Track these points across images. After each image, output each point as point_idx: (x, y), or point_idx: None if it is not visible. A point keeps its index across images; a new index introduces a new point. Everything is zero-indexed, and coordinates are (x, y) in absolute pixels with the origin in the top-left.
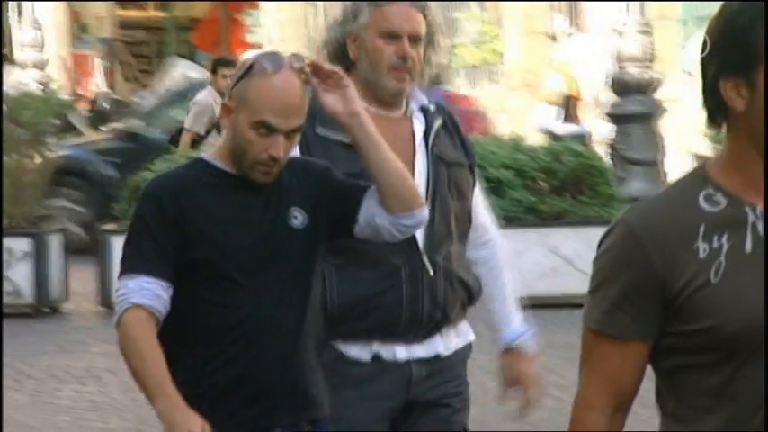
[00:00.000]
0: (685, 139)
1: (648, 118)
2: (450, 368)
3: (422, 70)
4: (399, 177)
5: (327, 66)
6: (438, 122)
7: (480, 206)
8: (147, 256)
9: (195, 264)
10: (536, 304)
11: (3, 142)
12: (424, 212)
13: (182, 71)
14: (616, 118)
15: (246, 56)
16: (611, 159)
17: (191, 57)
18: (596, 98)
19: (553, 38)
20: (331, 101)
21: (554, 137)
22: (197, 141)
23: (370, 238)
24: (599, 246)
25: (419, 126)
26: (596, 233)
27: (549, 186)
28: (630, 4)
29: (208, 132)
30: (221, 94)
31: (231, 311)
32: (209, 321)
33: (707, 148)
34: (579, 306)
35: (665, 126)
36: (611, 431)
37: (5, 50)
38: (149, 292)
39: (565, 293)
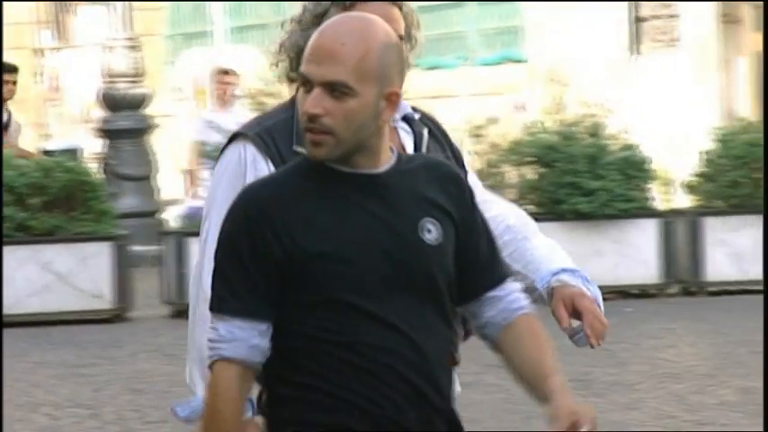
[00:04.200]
0: (177, 154)
1: (140, 133)
2: None
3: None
4: None
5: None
6: (425, 132)
7: (487, 203)
8: (239, 292)
9: (301, 289)
10: (28, 322)
11: (2, 145)
12: None
13: None
14: (107, 133)
15: None
16: (104, 175)
17: None
18: (86, 113)
19: (41, 52)
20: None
21: (46, 152)
22: None
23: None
24: None
25: (407, 136)
26: (90, 249)
27: (41, 202)
28: (118, 20)
29: None
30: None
31: (351, 343)
32: (323, 356)
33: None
34: (72, 322)
35: (157, 141)
36: None
37: None
38: (243, 344)
39: (58, 310)
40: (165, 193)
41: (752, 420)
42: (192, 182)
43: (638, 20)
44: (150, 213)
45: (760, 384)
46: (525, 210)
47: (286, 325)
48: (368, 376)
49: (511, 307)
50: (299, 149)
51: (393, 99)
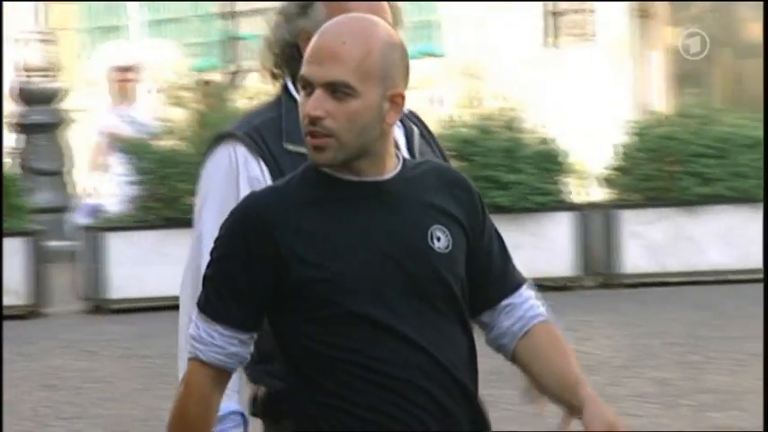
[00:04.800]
0: (92, 148)
1: (55, 128)
2: None
3: None
4: None
5: None
6: (416, 129)
7: None
8: (226, 299)
9: (308, 305)
10: None
11: (2, 143)
12: None
13: None
14: (22, 128)
15: None
16: (19, 170)
17: None
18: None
19: None
20: None
21: None
22: None
23: None
24: None
25: (399, 132)
26: (4, 244)
27: None
28: (32, 13)
29: None
30: None
31: (367, 359)
32: (340, 374)
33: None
34: None
35: (73, 136)
36: None
37: None
38: (221, 351)
39: None
40: (79, 188)
41: (666, 411)
42: (97, 177)
43: (554, 14)
44: (66, 209)
45: (674, 375)
46: None
47: (299, 343)
48: (387, 393)
49: (527, 315)
50: (290, 147)
51: (397, 101)
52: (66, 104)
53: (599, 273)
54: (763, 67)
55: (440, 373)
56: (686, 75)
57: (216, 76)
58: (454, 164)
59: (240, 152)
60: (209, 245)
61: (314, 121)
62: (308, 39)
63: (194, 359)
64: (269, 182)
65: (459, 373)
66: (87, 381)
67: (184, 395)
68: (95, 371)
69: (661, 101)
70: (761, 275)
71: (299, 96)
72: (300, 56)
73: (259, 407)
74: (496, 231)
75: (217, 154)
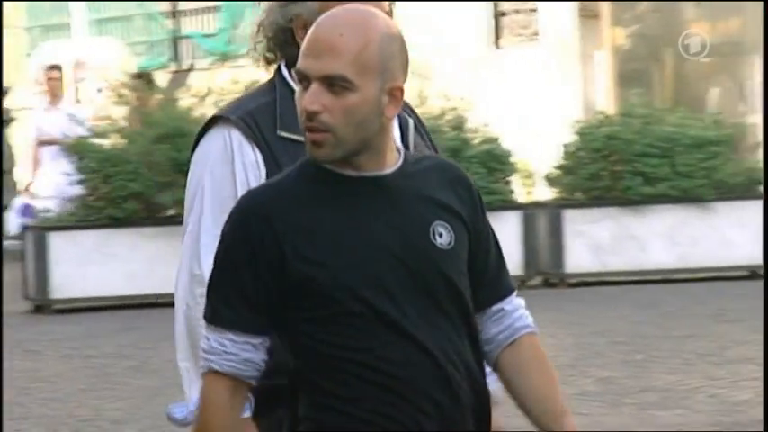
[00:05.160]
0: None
1: None
2: None
3: None
4: None
5: None
6: (411, 120)
7: None
8: (233, 304)
9: (309, 302)
10: None
11: (3, 143)
12: None
13: None
14: None
15: None
16: None
17: None
18: None
19: None
20: None
21: None
22: None
23: None
24: None
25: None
26: None
27: None
28: None
29: None
30: None
31: (366, 358)
32: (338, 373)
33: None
34: None
35: (14, 135)
36: None
37: None
38: (234, 357)
39: None
40: (21, 186)
41: (611, 410)
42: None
43: (499, 14)
44: (7, 207)
45: (619, 374)
46: None
47: (298, 341)
48: (387, 393)
49: (516, 324)
50: (284, 134)
51: (396, 94)
52: (8, 103)
53: (544, 272)
54: (763, 68)
55: (441, 373)
56: (630, 75)
57: (161, 75)
58: None
59: (235, 136)
60: (206, 229)
61: (311, 116)
62: (303, 24)
63: (209, 372)
64: (263, 168)
65: (460, 372)
66: (33, 381)
67: (204, 410)
68: (40, 371)
69: (607, 101)
70: (705, 274)
71: (295, 86)
72: (294, 40)
73: (252, 405)
74: (493, 233)
75: (210, 137)
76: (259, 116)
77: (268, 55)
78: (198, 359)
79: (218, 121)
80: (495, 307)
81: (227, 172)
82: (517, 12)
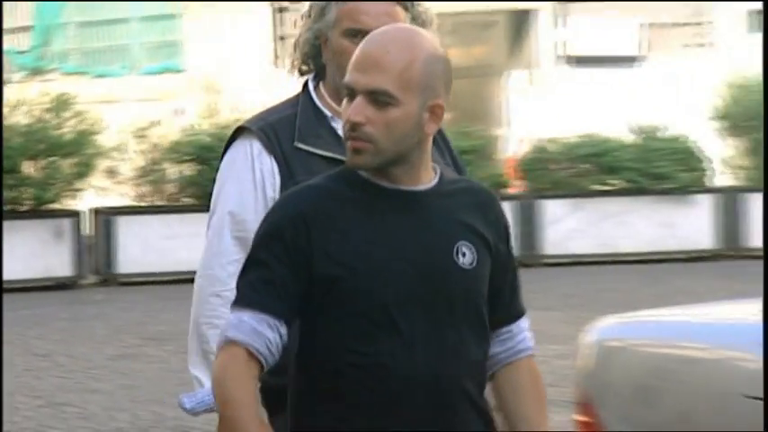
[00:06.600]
0: None
1: None
2: None
3: None
4: None
5: None
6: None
7: None
8: (257, 287)
9: (326, 303)
10: None
11: (2, 142)
12: None
13: None
14: None
15: None
16: None
17: None
18: None
19: None
20: None
21: None
22: None
23: None
24: None
25: None
26: None
27: None
28: None
29: None
30: None
31: (370, 364)
32: (340, 376)
33: None
34: None
35: None
36: None
37: None
38: (247, 326)
39: None
40: None
41: None
42: None
43: (280, 38)
44: None
45: None
46: (185, 202)
47: (309, 333)
48: (386, 402)
49: (518, 347)
50: (300, 146)
51: (437, 111)
52: None
53: None
54: (763, 71)
55: (444, 385)
56: None
57: None
58: (193, 167)
59: (255, 146)
60: (226, 220)
61: (354, 126)
62: (325, 40)
63: (224, 343)
64: (277, 177)
65: (463, 386)
66: None
67: (221, 381)
68: None
69: None
70: None
71: (318, 101)
72: (321, 54)
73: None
74: (513, 259)
75: (235, 146)
76: (279, 128)
77: (303, 67)
78: (208, 369)
79: (243, 132)
80: (504, 329)
81: (246, 178)
82: (292, 37)
